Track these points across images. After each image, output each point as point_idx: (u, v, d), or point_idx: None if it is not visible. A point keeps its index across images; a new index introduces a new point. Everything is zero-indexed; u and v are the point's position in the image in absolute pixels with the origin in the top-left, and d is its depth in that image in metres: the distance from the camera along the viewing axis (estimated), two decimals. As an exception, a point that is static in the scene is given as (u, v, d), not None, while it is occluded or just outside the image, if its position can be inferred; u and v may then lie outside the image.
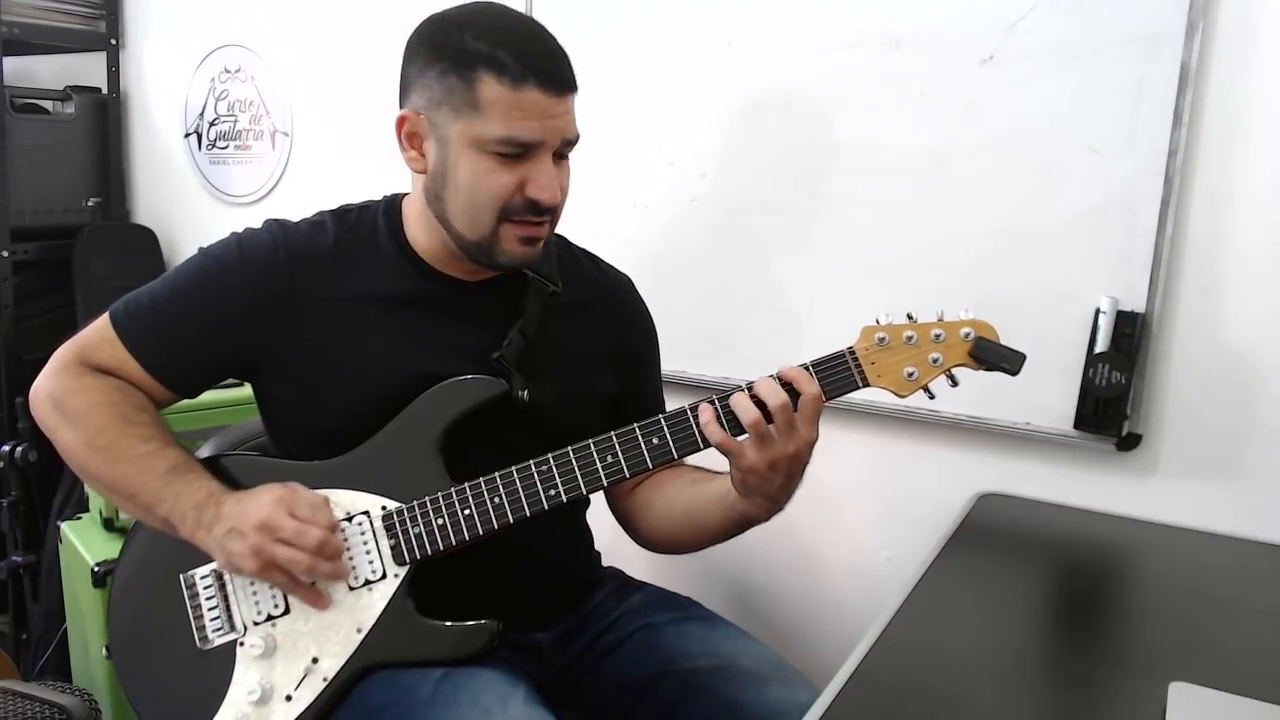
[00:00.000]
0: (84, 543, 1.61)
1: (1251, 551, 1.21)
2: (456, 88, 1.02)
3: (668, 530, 1.21)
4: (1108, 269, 1.30)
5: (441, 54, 1.03)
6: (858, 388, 1.02)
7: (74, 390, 1.08)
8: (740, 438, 1.00)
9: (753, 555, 1.66)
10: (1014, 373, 1.00)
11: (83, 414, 1.07)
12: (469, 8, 1.07)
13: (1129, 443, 1.33)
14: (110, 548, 1.57)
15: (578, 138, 1.07)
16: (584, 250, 1.28)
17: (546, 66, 1.02)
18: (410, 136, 1.07)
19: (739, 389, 1.01)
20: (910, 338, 1.02)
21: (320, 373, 1.10)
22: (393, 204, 1.16)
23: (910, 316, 1.03)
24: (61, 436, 1.09)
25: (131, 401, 1.09)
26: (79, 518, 1.72)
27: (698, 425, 1.02)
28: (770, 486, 1.03)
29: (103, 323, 1.11)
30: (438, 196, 1.07)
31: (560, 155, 1.07)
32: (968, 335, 1.01)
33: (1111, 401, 1.31)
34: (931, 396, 1.03)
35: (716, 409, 1.01)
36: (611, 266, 1.29)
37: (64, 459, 1.10)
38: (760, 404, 0.98)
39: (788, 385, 0.99)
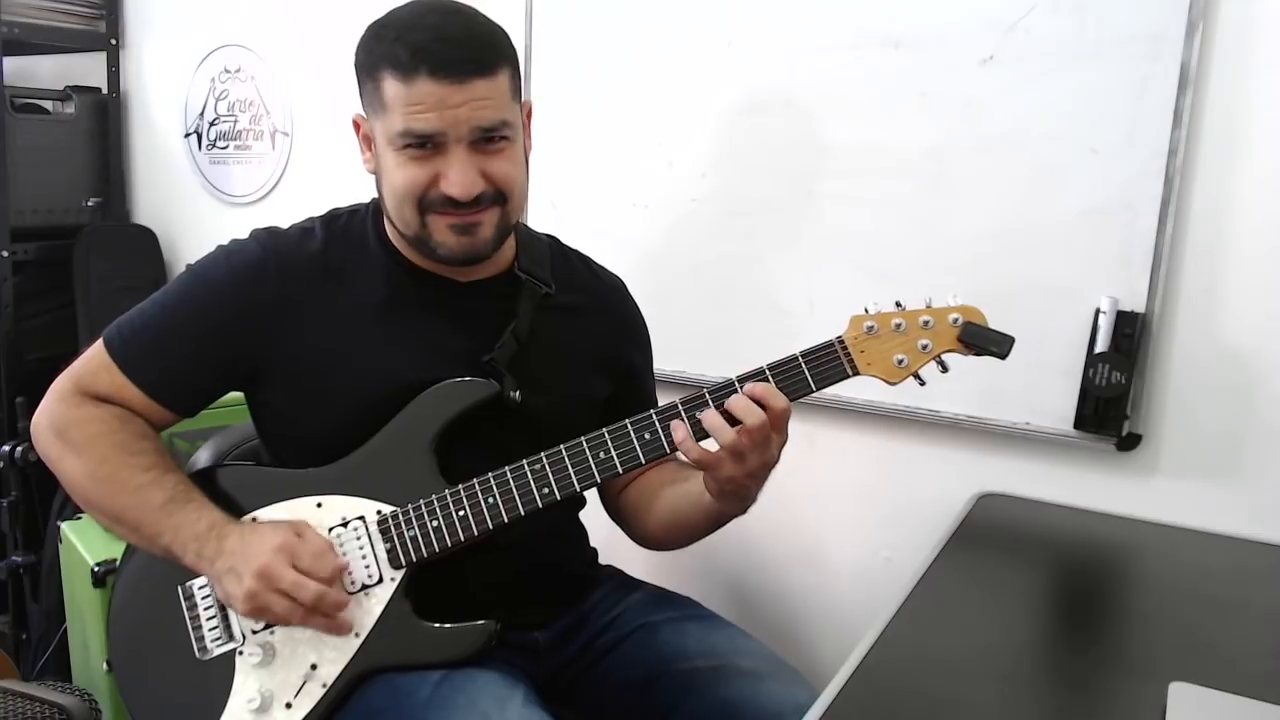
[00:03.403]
0: (84, 543, 1.61)
1: (1251, 551, 1.21)
2: (371, 91, 1.05)
3: (654, 530, 1.22)
4: (1108, 269, 1.30)
5: (361, 59, 1.07)
6: (848, 376, 1.02)
7: (75, 422, 1.08)
8: (705, 441, 1.01)
9: (753, 555, 1.66)
10: (1003, 356, 1.01)
11: (84, 446, 1.07)
12: (399, 7, 1.07)
13: (1129, 443, 1.33)
14: (110, 548, 1.56)
15: (501, 123, 1.02)
16: (576, 252, 1.28)
17: (439, 53, 0.98)
18: (366, 140, 1.12)
19: (706, 399, 1.01)
20: (899, 325, 1.02)
21: (313, 379, 1.10)
22: (381, 207, 1.16)
23: (899, 304, 1.03)
24: (64, 468, 1.09)
25: (132, 430, 1.08)
26: (79, 518, 1.72)
27: (668, 441, 1.02)
28: (745, 491, 1.05)
29: (97, 349, 1.11)
30: (381, 195, 1.10)
31: (488, 141, 1.03)
32: (956, 320, 1.02)
33: (1111, 401, 1.30)
34: (922, 383, 1.03)
35: (688, 426, 1.01)
36: (604, 269, 1.29)
37: (68, 491, 1.10)
38: (735, 420, 0.98)
39: (756, 399, 0.99)
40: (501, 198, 1.06)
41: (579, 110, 1.69)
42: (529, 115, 1.14)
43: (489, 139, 1.03)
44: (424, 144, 1.01)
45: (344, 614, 1.03)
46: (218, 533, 1.03)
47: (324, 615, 1.01)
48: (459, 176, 1.01)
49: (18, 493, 2.03)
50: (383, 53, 1.02)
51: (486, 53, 1.02)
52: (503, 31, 1.07)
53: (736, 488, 1.03)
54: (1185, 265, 1.29)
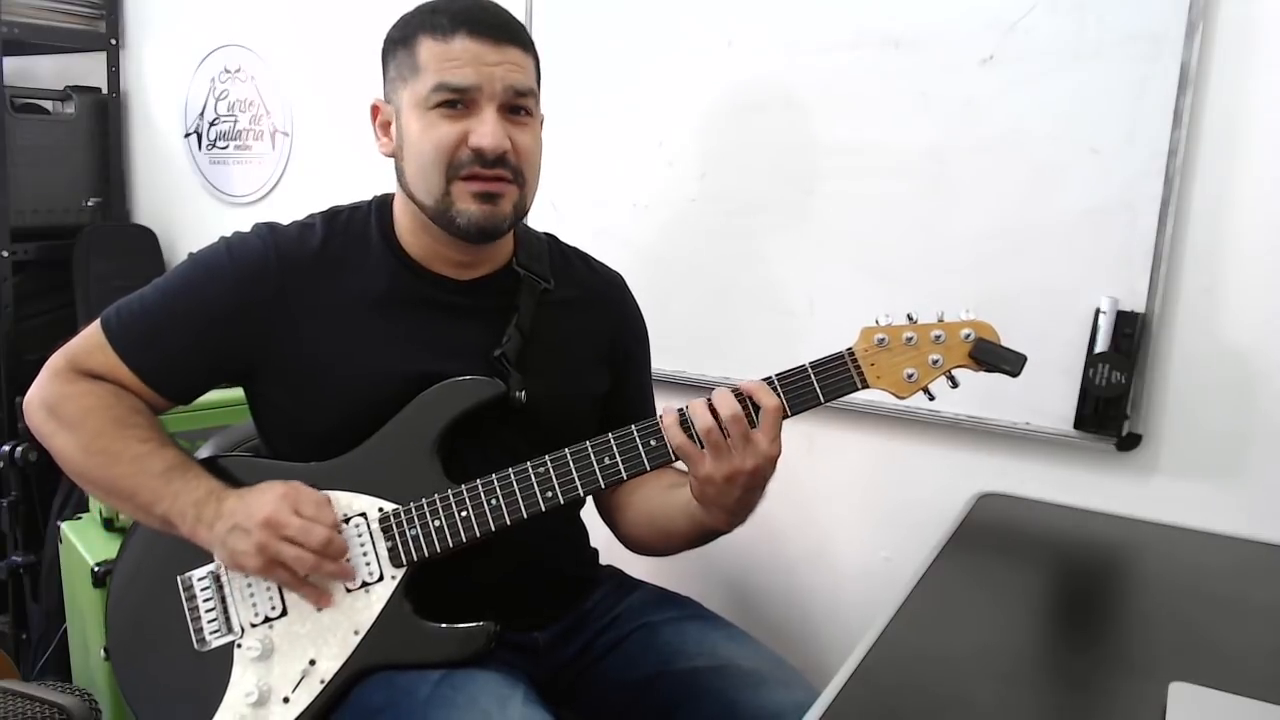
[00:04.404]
0: (84, 543, 1.61)
1: (1251, 551, 1.21)
2: (404, 60, 1.07)
3: (640, 533, 1.21)
4: (1108, 269, 1.30)
5: (395, 35, 1.09)
6: (857, 389, 1.02)
7: (68, 396, 1.08)
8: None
9: (753, 555, 1.66)
10: (1014, 374, 1.00)
11: (78, 419, 1.07)
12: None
13: (1129, 443, 1.33)
14: (110, 548, 1.56)
15: (530, 91, 1.08)
16: (574, 248, 1.28)
17: (478, 16, 1.04)
18: (383, 126, 1.12)
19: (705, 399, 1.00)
20: (910, 339, 1.01)
21: (313, 375, 1.10)
22: (384, 204, 1.16)
23: (910, 317, 1.02)
24: (57, 443, 1.09)
25: (126, 404, 1.09)
26: (79, 518, 1.72)
27: (674, 448, 1.01)
28: (727, 499, 1.02)
29: (94, 329, 1.11)
30: (402, 171, 1.10)
31: (514, 110, 1.06)
32: (968, 336, 1.01)
33: (1111, 401, 1.30)
34: (931, 398, 1.03)
35: (681, 413, 1.00)
36: (602, 264, 1.29)
37: (60, 465, 1.10)
38: (717, 414, 0.98)
39: (748, 398, 0.99)
40: (520, 176, 1.08)
41: (579, 110, 1.69)
42: (540, 126, 1.16)
43: (515, 110, 1.06)
44: (455, 103, 1.04)
45: (346, 560, 1.04)
46: (216, 496, 1.03)
47: (332, 559, 1.02)
48: (490, 129, 1.03)
49: (18, 493, 2.03)
50: (420, 22, 1.06)
51: (521, 31, 1.09)
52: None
53: (717, 492, 1.01)
54: (1185, 265, 1.29)
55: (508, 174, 1.06)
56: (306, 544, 1.00)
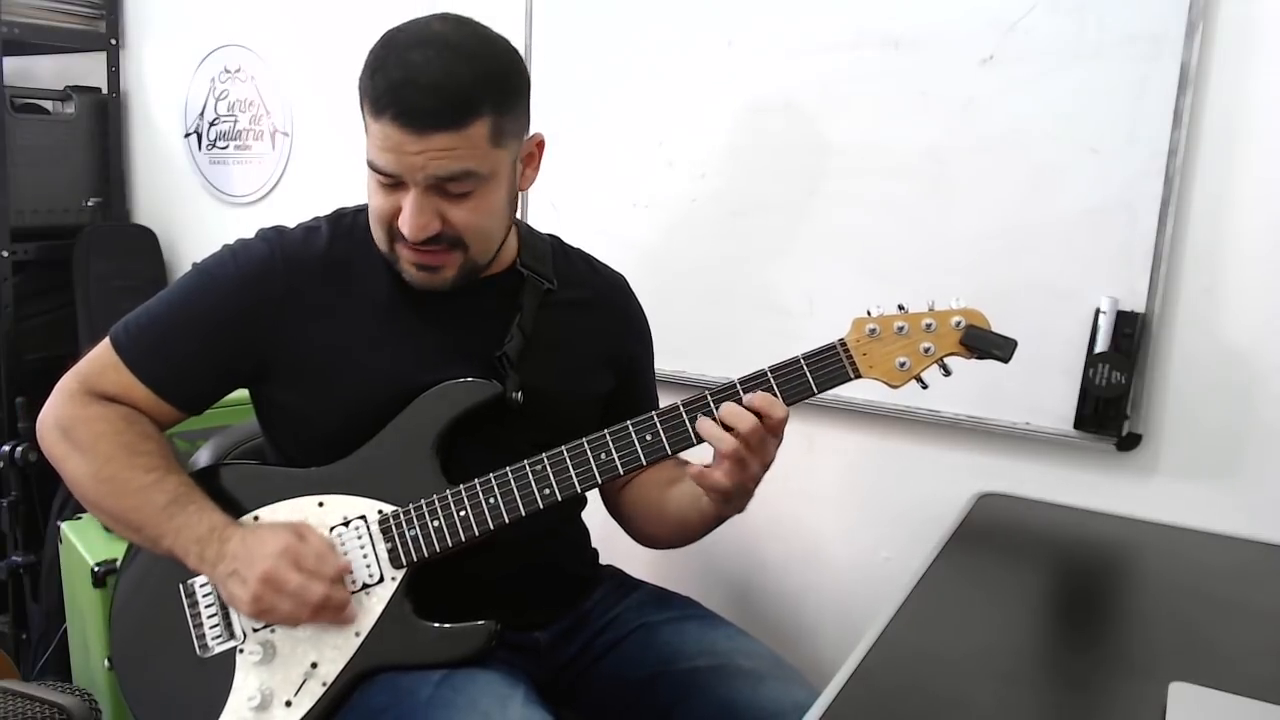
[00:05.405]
0: (84, 543, 1.61)
1: (1251, 551, 1.21)
2: (361, 109, 1.04)
3: (654, 530, 1.22)
4: (1108, 269, 1.30)
5: (362, 73, 1.04)
6: (849, 379, 1.02)
7: (81, 420, 1.08)
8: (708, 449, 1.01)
9: (753, 555, 1.66)
10: (1005, 360, 1.00)
11: (89, 445, 1.07)
12: (409, 22, 1.03)
13: (1129, 443, 1.33)
14: (110, 548, 1.56)
15: (462, 174, 0.99)
16: (578, 250, 1.28)
17: (406, 100, 0.96)
18: None
19: (707, 400, 1.01)
20: (901, 328, 1.02)
21: (319, 377, 1.10)
22: None
23: (901, 307, 1.03)
24: (69, 467, 1.09)
25: (138, 430, 1.08)
26: (79, 518, 1.72)
27: (670, 443, 1.02)
28: (742, 492, 1.04)
29: (103, 347, 1.11)
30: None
31: (448, 191, 1.01)
32: (959, 324, 1.01)
33: (1111, 401, 1.31)
34: (924, 386, 1.03)
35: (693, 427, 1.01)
36: (606, 265, 1.29)
37: (71, 490, 1.10)
38: (728, 427, 0.99)
39: (754, 410, 0.99)
40: (461, 243, 1.05)
41: (579, 110, 1.69)
42: (540, 147, 1.12)
43: (449, 190, 1.01)
44: (390, 181, 1.02)
45: (348, 610, 1.04)
46: (219, 535, 1.03)
47: (332, 611, 1.02)
48: (410, 219, 1.01)
49: (18, 493, 2.03)
50: (366, 79, 1.01)
51: (458, 104, 0.97)
52: (499, 73, 1.02)
53: (739, 494, 1.03)
54: (1185, 265, 1.29)
55: (442, 247, 1.04)
56: (304, 600, 1.00)
